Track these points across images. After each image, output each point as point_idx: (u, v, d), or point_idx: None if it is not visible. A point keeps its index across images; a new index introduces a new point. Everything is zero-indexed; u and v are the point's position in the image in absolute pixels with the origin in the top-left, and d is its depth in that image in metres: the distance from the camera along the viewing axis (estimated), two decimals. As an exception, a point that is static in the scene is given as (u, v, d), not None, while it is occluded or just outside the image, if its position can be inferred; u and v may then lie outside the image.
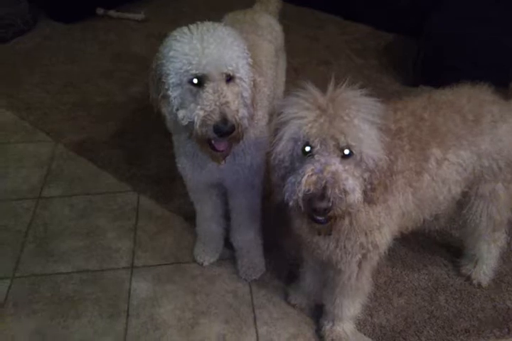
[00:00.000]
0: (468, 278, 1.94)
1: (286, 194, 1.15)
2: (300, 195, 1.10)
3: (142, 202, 2.32)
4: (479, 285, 1.92)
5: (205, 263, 2.03)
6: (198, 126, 1.31)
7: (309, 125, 1.10)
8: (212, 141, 1.38)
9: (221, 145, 1.40)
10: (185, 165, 1.69)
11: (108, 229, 2.20)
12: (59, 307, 1.89)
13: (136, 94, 3.05)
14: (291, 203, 1.14)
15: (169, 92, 1.35)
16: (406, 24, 3.46)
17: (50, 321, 1.84)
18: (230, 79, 1.34)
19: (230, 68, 1.31)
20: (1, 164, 2.56)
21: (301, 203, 1.12)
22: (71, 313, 1.87)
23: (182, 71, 1.30)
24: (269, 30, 1.95)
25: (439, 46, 2.84)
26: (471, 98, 1.52)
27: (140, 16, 3.89)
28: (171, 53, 1.30)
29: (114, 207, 2.31)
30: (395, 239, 1.52)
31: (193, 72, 1.29)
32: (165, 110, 1.42)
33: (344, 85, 1.17)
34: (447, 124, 1.45)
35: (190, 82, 1.31)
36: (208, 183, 1.76)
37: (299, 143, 1.13)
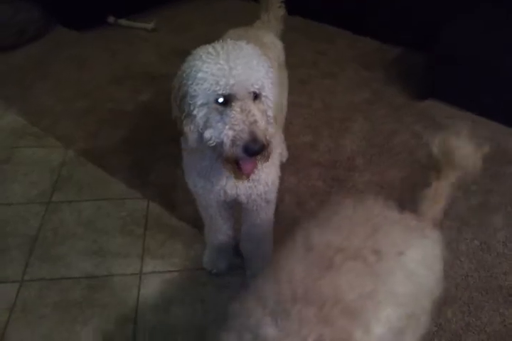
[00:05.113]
0: None
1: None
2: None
3: (151, 209, 2.33)
4: None
5: (214, 271, 2.03)
6: (227, 147, 1.28)
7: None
8: (240, 162, 1.35)
9: (248, 167, 1.36)
10: (197, 184, 1.65)
11: (117, 235, 2.20)
12: (67, 313, 1.89)
13: (146, 103, 3.08)
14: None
15: (194, 112, 1.32)
16: (413, 38, 3.50)
17: (58, 326, 1.84)
18: (256, 97, 1.32)
19: (257, 86, 1.30)
20: (10, 169, 2.57)
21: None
22: (79, 319, 1.87)
23: (209, 92, 1.27)
24: (272, 47, 1.95)
25: (449, 59, 2.85)
26: None
27: (150, 26, 3.93)
28: (198, 74, 1.28)
29: (124, 214, 2.31)
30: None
31: (221, 92, 1.26)
32: (187, 129, 1.37)
33: None
34: None
35: (216, 101, 1.29)
36: (222, 200, 1.71)
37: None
